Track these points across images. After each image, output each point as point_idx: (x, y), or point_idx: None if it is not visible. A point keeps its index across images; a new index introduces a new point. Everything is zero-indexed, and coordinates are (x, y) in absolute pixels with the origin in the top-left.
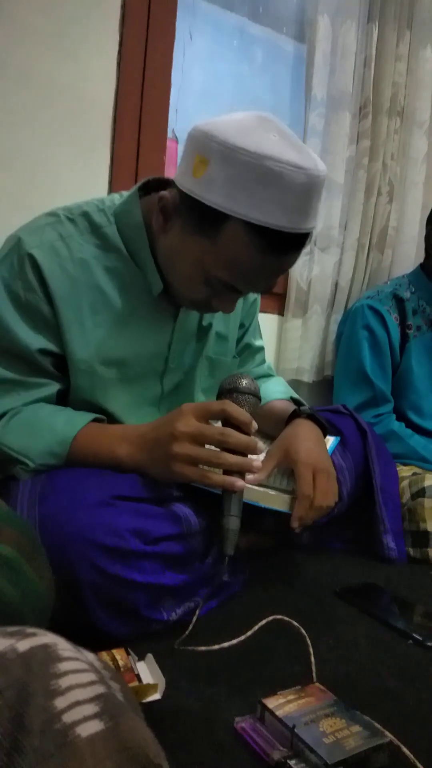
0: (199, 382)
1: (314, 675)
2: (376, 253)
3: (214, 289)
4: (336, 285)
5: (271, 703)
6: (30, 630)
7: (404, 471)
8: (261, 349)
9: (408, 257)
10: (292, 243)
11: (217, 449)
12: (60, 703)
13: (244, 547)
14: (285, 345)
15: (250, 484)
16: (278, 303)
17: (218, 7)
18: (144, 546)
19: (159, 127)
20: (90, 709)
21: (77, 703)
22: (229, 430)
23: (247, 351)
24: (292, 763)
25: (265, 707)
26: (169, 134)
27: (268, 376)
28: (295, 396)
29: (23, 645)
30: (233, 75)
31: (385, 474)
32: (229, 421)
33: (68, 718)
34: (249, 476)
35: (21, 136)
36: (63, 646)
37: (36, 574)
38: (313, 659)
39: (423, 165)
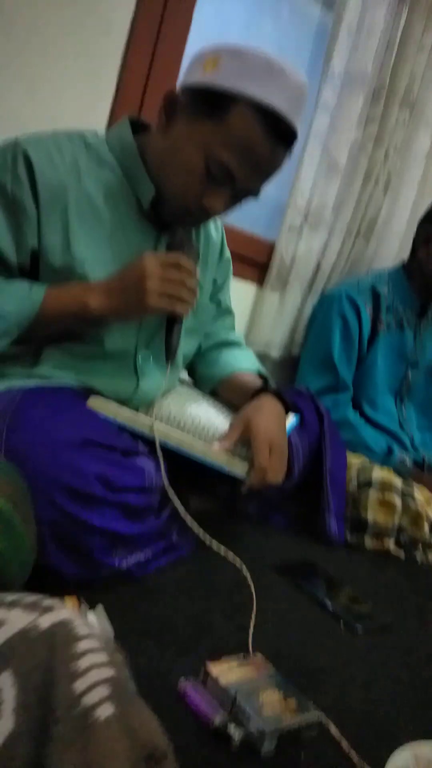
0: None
1: (250, 646)
2: (361, 242)
3: (210, 181)
4: (318, 266)
5: (214, 668)
6: (46, 602)
7: (353, 459)
8: (232, 313)
9: (391, 251)
10: (286, 133)
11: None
12: (79, 685)
13: (195, 511)
14: (259, 317)
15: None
16: (258, 273)
17: None
18: (107, 493)
19: (172, 64)
20: (104, 690)
21: (95, 685)
22: (185, 274)
23: (219, 308)
24: (231, 728)
25: (208, 672)
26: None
27: (238, 344)
28: (263, 371)
29: (44, 622)
30: (254, 29)
31: (336, 459)
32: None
33: (87, 701)
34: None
35: (30, 45)
36: (78, 622)
37: (24, 526)
38: (251, 630)
39: (423, 162)
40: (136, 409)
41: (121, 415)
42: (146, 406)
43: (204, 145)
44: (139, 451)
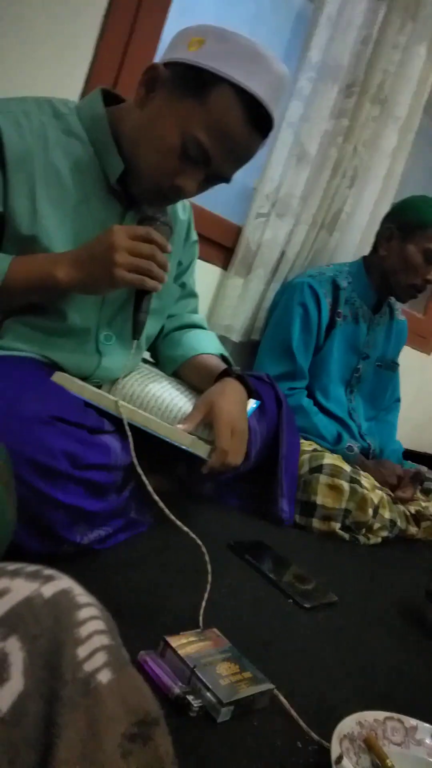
0: None
1: (201, 620)
2: (324, 233)
3: (185, 161)
4: (283, 254)
5: (173, 642)
6: (47, 572)
7: (305, 445)
8: (196, 296)
9: (352, 245)
10: (264, 122)
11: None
12: (81, 651)
13: (155, 488)
14: (221, 300)
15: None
16: (224, 257)
17: None
18: (73, 470)
19: (150, 41)
20: (104, 657)
21: (95, 651)
22: (155, 247)
23: (183, 290)
24: (190, 698)
25: (168, 644)
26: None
27: (200, 326)
28: (226, 354)
29: (47, 590)
30: (235, 13)
31: (291, 444)
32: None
33: (89, 666)
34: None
35: (5, 7)
36: (78, 590)
37: (8, 501)
38: (204, 604)
39: (388, 159)
40: (99, 387)
41: (86, 392)
42: (109, 383)
43: (182, 124)
44: (104, 429)
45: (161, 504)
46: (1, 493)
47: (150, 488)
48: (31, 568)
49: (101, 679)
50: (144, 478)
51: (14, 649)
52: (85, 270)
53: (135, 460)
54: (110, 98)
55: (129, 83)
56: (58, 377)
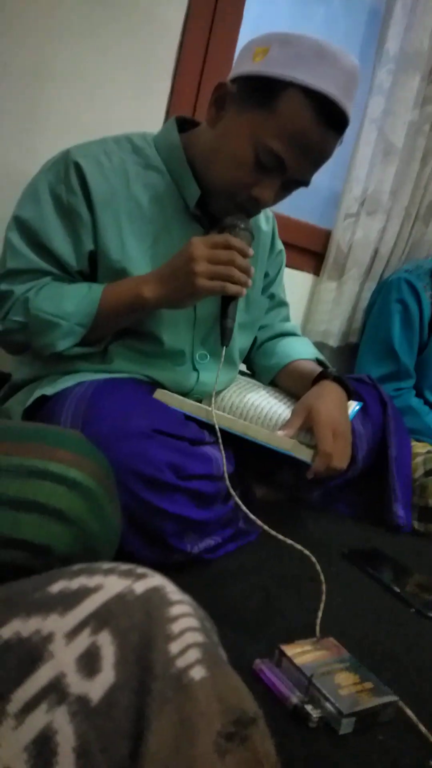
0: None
1: (317, 629)
2: (420, 225)
3: (260, 171)
4: (376, 252)
5: (289, 650)
6: (140, 570)
7: (418, 447)
8: (286, 304)
9: None
10: (338, 119)
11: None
12: (174, 648)
13: (261, 498)
14: (316, 306)
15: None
16: (315, 263)
17: None
18: (177, 480)
19: (224, 64)
20: (197, 653)
21: (188, 648)
22: (234, 253)
23: (272, 301)
24: (308, 708)
25: (283, 653)
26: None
27: (293, 334)
28: (321, 358)
29: (139, 587)
30: (304, 18)
31: (401, 446)
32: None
33: (181, 662)
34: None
35: (87, 51)
36: (170, 588)
37: (111, 506)
38: (320, 614)
39: None
40: (199, 401)
41: (186, 406)
42: (208, 397)
43: (254, 135)
44: (206, 440)
45: (251, 515)
46: (104, 500)
47: (239, 501)
48: (125, 566)
49: (194, 675)
50: (231, 490)
51: (106, 642)
52: (169, 285)
53: (226, 474)
54: (187, 124)
55: (206, 108)
56: (160, 394)
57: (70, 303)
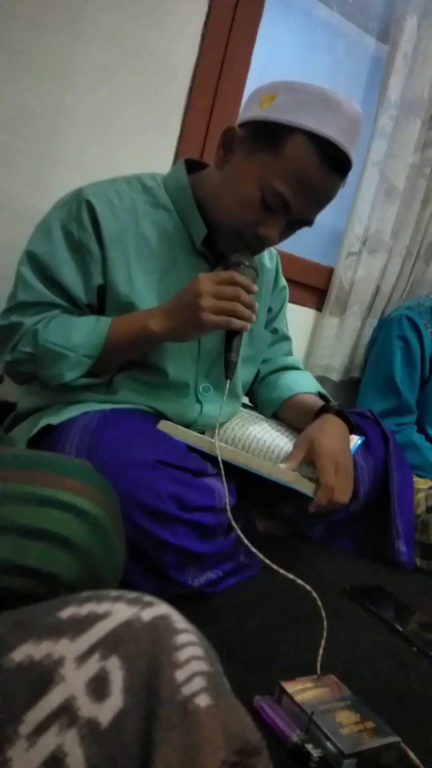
0: None
1: (318, 666)
2: (421, 264)
3: (266, 211)
4: (378, 289)
5: (289, 687)
6: (147, 598)
7: (420, 483)
8: (289, 339)
9: None
10: (341, 163)
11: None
12: (180, 675)
13: (263, 532)
14: (318, 341)
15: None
16: (317, 298)
17: None
18: (180, 512)
19: (232, 108)
20: (202, 681)
21: (193, 676)
22: (239, 289)
23: (275, 336)
24: (309, 747)
25: (283, 690)
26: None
27: (295, 368)
28: (323, 392)
29: (146, 614)
30: (310, 64)
31: (402, 482)
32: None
33: (187, 690)
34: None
35: (100, 93)
36: (176, 617)
37: (117, 536)
38: (321, 650)
39: None
40: (202, 432)
41: (189, 437)
42: (211, 429)
43: (260, 177)
44: (208, 472)
45: (252, 548)
46: (110, 529)
47: (240, 533)
48: (132, 594)
49: (199, 703)
50: (233, 523)
51: (114, 667)
52: (176, 318)
53: (228, 506)
54: (195, 165)
55: (215, 148)
56: (163, 425)
57: (79, 335)
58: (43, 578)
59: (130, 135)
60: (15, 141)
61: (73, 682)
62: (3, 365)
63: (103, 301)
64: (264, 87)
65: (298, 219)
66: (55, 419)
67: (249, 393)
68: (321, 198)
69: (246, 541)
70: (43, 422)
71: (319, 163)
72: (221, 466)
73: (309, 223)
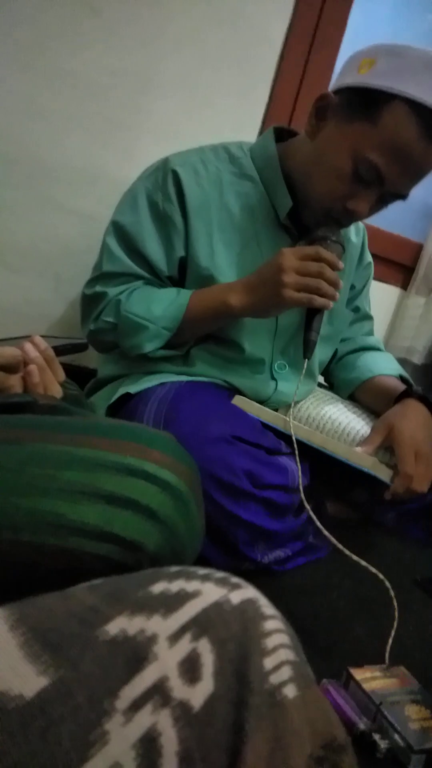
0: None
1: (386, 656)
2: None
3: (358, 184)
4: None
5: (357, 674)
6: (234, 579)
7: None
8: (371, 318)
9: None
10: None
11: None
12: (268, 663)
13: (333, 515)
14: (401, 321)
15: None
16: (403, 276)
17: None
18: (254, 489)
19: (323, 76)
20: (289, 671)
21: (282, 664)
22: (324, 265)
23: (357, 314)
24: (376, 737)
25: (351, 677)
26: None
27: (376, 348)
28: (405, 375)
29: (235, 597)
30: (406, 28)
31: None
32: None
33: (275, 679)
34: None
35: (189, 59)
36: (263, 601)
37: (198, 512)
38: (390, 640)
39: None
40: (275, 410)
41: (264, 414)
42: (285, 407)
43: (353, 147)
44: (282, 451)
45: (324, 530)
46: (192, 504)
47: (312, 514)
48: (220, 574)
49: (287, 693)
50: (306, 503)
51: (205, 650)
52: (256, 294)
53: (301, 486)
54: (284, 134)
55: (303, 118)
56: (238, 400)
57: (159, 307)
58: (128, 546)
59: (217, 101)
60: (104, 109)
61: (165, 662)
62: (87, 333)
63: (183, 273)
64: (363, 51)
65: (391, 192)
66: (133, 388)
67: (325, 372)
68: (418, 171)
69: (318, 522)
70: (122, 390)
71: (419, 134)
72: (295, 445)
73: (403, 197)
